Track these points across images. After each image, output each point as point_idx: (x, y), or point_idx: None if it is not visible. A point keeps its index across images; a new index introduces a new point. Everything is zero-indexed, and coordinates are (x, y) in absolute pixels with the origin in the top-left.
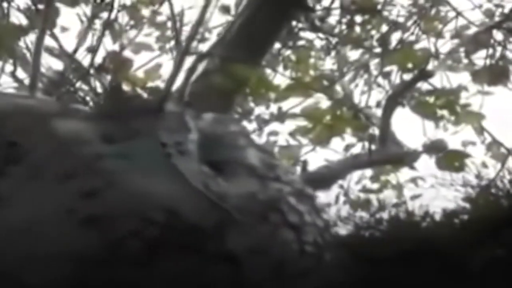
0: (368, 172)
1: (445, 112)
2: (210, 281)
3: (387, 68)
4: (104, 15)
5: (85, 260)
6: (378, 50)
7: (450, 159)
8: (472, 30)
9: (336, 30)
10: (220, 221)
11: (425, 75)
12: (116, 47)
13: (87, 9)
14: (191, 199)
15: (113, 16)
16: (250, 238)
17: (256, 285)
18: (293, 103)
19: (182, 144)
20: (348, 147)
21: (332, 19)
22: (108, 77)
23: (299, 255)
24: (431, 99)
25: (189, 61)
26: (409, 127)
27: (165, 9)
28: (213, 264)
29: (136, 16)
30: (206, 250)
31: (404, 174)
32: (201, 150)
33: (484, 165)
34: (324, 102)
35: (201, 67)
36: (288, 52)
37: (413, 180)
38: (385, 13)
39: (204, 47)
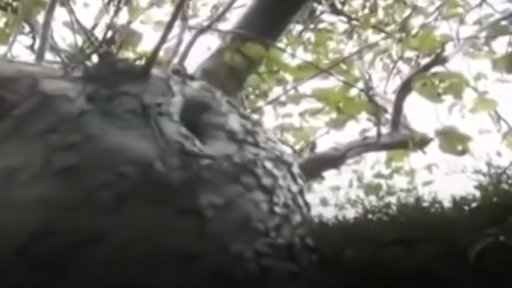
0: (383, 158)
1: (449, 96)
2: (175, 232)
3: (408, 54)
4: None
5: (56, 206)
6: (399, 35)
7: (453, 142)
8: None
9: (359, 14)
10: (191, 178)
11: (440, 61)
12: (134, 24)
13: None
14: (164, 156)
15: None
16: (219, 196)
17: (220, 238)
18: (311, 85)
19: (162, 105)
20: (363, 131)
21: (355, 3)
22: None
23: (267, 214)
24: (435, 81)
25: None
26: (424, 113)
27: None
28: (179, 217)
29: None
30: (173, 204)
31: (417, 160)
32: (184, 113)
33: (498, 153)
34: (340, 85)
35: (215, 45)
36: (308, 35)
37: (426, 167)
38: None
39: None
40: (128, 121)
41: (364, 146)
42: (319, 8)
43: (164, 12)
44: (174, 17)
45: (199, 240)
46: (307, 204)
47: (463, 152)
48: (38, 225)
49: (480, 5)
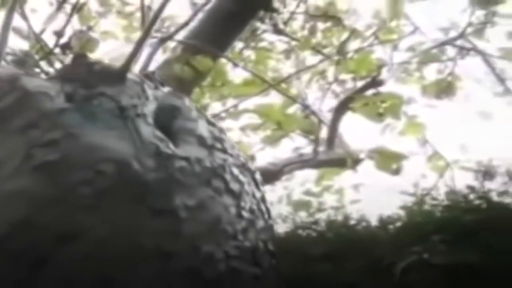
0: (313, 175)
1: (388, 115)
2: (151, 231)
3: (343, 76)
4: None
5: (37, 200)
6: (336, 57)
7: (388, 161)
8: (427, 45)
9: (298, 35)
10: (166, 179)
11: (376, 83)
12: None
13: None
14: (140, 156)
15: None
16: (192, 198)
17: (193, 238)
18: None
19: (138, 108)
20: (296, 149)
21: (295, 24)
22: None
23: (235, 218)
24: (376, 101)
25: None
26: (356, 134)
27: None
28: (154, 216)
29: (106, 3)
30: (149, 203)
31: (346, 179)
32: (156, 117)
33: (424, 176)
34: (278, 102)
35: (164, 56)
36: (249, 53)
37: (355, 186)
38: (347, 22)
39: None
40: (106, 121)
41: (301, 162)
42: (261, 27)
43: (111, 22)
44: (151, 25)
45: (174, 239)
46: (268, 211)
47: (397, 171)
48: (18, 217)
49: (413, 32)
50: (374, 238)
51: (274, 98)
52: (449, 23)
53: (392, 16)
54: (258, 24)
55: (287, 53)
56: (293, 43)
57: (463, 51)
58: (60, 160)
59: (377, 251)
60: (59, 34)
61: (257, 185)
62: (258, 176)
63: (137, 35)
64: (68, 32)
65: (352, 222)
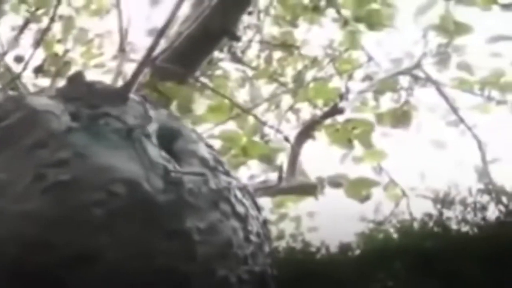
0: (268, 204)
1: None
2: (166, 253)
3: (298, 105)
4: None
5: (49, 220)
6: (291, 86)
7: (358, 188)
8: (382, 75)
9: (254, 64)
10: (177, 200)
11: (336, 111)
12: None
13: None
14: (152, 177)
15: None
16: (203, 221)
17: (207, 261)
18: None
19: (144, 128)
20: (252, 177)
21: (251, 53)
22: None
23: (243, 242)
24: (347, 127)
25: None
26: (315, 162)
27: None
28: (168, 238)
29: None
30: (163, 225)
31: (303, 207)
32: (159, 138)
33: (381, 203)
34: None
35: None
36: (205, 80)
37: (311, 214)
38: (302, 52)
39: None
40: (114, 142)
41: (264, 189)
42: (219, 55)
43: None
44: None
45: (189, 262)
46: (269, 235)
47: (367, 197)
48: (32, 238)
49: (368, 62)
50: (335, 265)
51: (230, 126)
52: (402, 54)
53: (349, 47)
54: (215, 52)
55: (243, 81)
56: (249, 71)
57: (418, 81)
58: (71, 180)
59: (339, 278)
60: (19, 59)
61: (258, 209)
62: (257, 200)
63: (96, 60)
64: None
65: (312, 249)
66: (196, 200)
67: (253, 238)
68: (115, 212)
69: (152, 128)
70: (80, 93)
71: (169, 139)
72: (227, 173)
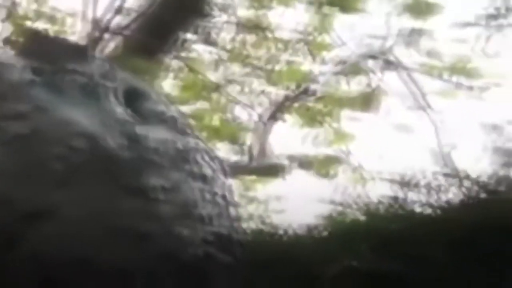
0: (236, 186)
1: (328, 119)
2: (126, 211)
3: (270, 88)
4: None
5: (7, 175)
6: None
7: (326, 166)
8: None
9: (228, 47)
10: (140, 158)
11: (308, 93)
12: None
13: None
14: (116, 133)
15: None
16: (167, 180)
17: (169, 221)
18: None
19: (110, 86)
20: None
21: (225, 36)
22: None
23: (209, 203)
24: (318, 108)
25: None
26: (286, 142)
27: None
28: (130, 197)
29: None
30: (125, 183)
31: (270, 190)
32: (126, 97)
33: (347, 186)
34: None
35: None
36: (178, 62)
37: (278, 197)
38: (276, 35)
39: None
40: (77, 97)
41: (234, 169)
42: (192, 37)
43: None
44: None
45: (151, 221)
46: (235, 201)
47: (334, 176)
48: None
49: (340, 46)
50: (301, 247)
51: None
52: (374, 38)
53: (322, 30)
54: (189, 34)
55: (216, 64)
56: (223, 54)
57: (388, 65)
58: (31, 134)
59: (305, 260)
60: None
61: (225, 173)
62: (225, 165)
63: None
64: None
65: (279, 231)
66: (161, 159)
67: (219, 200)
68: (75, 167)
69: (119, 86)
70: (44, 49)
71: (135, 99)
72: (195, 136)
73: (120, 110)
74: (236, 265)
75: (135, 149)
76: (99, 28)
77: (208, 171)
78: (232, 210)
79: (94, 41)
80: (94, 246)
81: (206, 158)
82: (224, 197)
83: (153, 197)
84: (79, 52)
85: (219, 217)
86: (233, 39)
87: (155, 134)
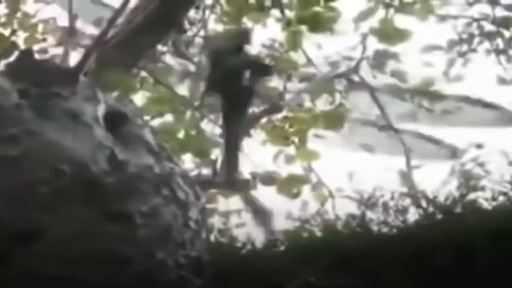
0: None
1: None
2: (108, 235)
3: None
4: None
5: None
6: None
7: (289, 185)
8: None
9: (196, 59)
10: (121, 183)
11: (274, 110)
12: None
13: None
14: (98, 158)
15: None
16: (145, 204)
17: (147, 244)
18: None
19: (93, 111)
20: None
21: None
22: None
23: (183, 227)
24: (284, 125)
25: None
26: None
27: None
28: (111, 221)
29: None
30: (106, 207)
31: (232, 203)
32: (106, 121)
33: (307, 203)
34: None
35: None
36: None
37: (238, 211)
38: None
39: None
40: (62, 122)
41: (198, 183)
42: (162, 48)
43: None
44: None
45: (130, 244)
46: (207, 222)
47: (297, 194)
48: None
49: (307, 64)
50: (260, 260)
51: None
52: (340, 58)
53: (290, 48)
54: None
55: (184, 76)
56: (191, 66)
57: (352, 85)
58: (20, 156)
59: (264, 273)
60: None
61: (197, 196)
62: (198, 187)
63: (40, 46)
64: None
65: (238, 244)
66: (139, 184)
67: (191, 224)
68: (59, 191)
69: (100, 110)
70: (29, 71)
71: (115, 122)
72: (170, 159)
73: (102, 134)
74: (206, 286)
75: (116, 174)
76: (74, 39)
77: (182, 195)
78: (203, 233)
79: (67, 51)
80: (79, 266)
81: (181, 182)
82: (197, 221)
83: (133, 221)
84: (65, 76)
85: (191, 240)
86: (201, 52)
87: (135, 159)
